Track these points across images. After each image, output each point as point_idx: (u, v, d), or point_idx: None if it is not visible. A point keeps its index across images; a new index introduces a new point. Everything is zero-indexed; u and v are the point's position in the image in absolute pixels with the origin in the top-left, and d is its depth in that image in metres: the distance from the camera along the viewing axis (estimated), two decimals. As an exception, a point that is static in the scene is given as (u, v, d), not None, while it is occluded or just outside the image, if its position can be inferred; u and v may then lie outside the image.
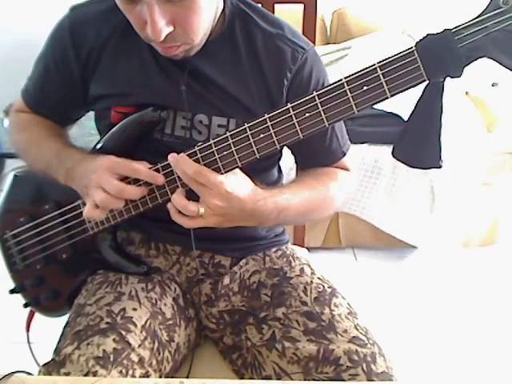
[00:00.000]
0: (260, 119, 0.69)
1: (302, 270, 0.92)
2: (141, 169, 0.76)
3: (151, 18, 0.68)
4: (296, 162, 0.95)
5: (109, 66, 0.85)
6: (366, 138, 1.93)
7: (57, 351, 0.77)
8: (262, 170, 0.92)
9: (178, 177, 0.75)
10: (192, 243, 0.86)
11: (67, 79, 0.88)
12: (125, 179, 0.77)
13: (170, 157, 0.73)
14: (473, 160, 1.93)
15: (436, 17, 2.22)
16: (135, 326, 0.78)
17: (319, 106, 0.66)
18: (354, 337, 0.80)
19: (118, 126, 0.82)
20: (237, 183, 0.73)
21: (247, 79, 0.84)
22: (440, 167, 0.64)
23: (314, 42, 0.94)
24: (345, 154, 0.93)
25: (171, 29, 0.71)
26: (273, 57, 0.85)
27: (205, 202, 0.72)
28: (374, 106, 2.17)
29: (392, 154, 0.67)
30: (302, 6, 1.06)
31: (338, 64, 2.18)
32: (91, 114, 0.94)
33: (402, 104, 1.52)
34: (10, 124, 0.98)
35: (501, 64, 0.57)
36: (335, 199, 0.90)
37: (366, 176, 1.93)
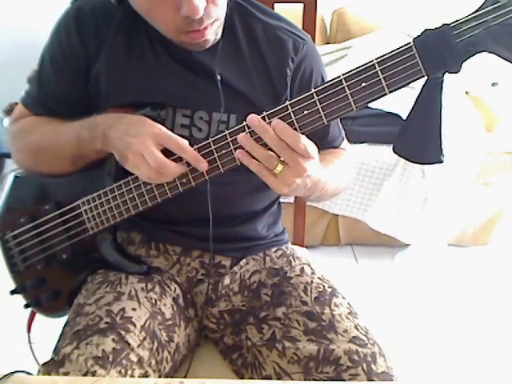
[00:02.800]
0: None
1: (302, 269, 0.92)
2: (187, 147, 0.73)
3: None
4: None
5: (108, 62, 0.84)
6: (365, 137, 1.93)
7: (56, 351, 0.76)
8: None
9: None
10: (206, 245, 0.88)
11: (74, 67, 0.86)
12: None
13: (250, 118, 0.67)
14: (472, 159, 1.93)
15: (436, 17, 2.22)
16: (134, 326, 0.78)
17: (318, 103, 0.66)
18: (354, 337, 0.80)
19: None
20: (318, 160, 0.72)
21: (249, 72, 0.85)
22: (441, 162, 0.64)
23: (313, 42, 0.94)
24: (343, 139, 0.98)
25: (205, 3, 0.71)
26: (274, 47, 0.85)
27: (294, 167, 0.68)
28: (373, 106, 2.17)
29: (393, 149, 0.67)
30: (301, 5, 1.06)
31: (338, 64, 2.18)
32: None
33: (402, 103, 1.52)
34: (15, 133, 0.93)
35: (501, 57, 0.56)
36: (348, 175, 0.97)
37: (366, 176, 1.93)
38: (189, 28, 0.74)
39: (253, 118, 0.67)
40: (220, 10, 0.75)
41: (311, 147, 0.69)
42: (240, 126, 0.70)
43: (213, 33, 0.78)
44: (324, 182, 0.77)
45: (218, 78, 0.82)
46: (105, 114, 0.82)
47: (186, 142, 0.73)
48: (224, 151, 0.72)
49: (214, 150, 0.73)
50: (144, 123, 0.75)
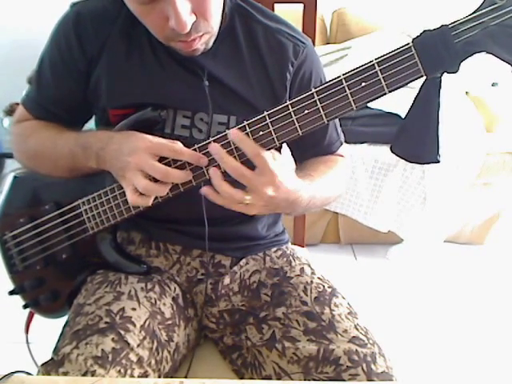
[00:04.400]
0: (259, 117, 0.69)
1: (302, 269, 0.92)
2: (184, 149, 0.73)
3: (175, 10, 0.68)
4: (293, 154, 0.94)
5: (109, 64, 0.84)
6: (365, 137, 1.93)
7: (56, 351, 0.76)
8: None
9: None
10: (205, 244, 0.88)
11: (73, 72, 0.86)
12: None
13: (211, 146, 0.70)
14: (472, 159, 1.93)
15: (436, 17, 2.22)
16: (134, 325, 0.78)
17: (318, 102, 0.66)
18: (354, 337, 0.80)
19: (117, 127, 0.82)
20: (286, 173, 0.71)
21: (249, 75, 0.85)
22: (438, 162, 0.65)
23: (313, 42, 0.94)
24: (342, 143, 0.97)
25: (194, 18, 0.71)
26: (274, 51, 0.85)
27: (256, 190, 0.69)
28: (373, 106, 2.16)
29: (391, 149, 0.68)
30: (301, 5, 1.06)
31: (337, 64, 2.18)
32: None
33: (402, 103, 1.52)
34: (15, 136, 0.94)
35: (499, 58, 0.57)
36: (342, 184, 0.94)
37: (366, 176, 1.93)
38: (176, 38, 0.74)
39: (212, 147, 0.70)
40: (210, 25, 0.75)
41: (276, 166, 0.68)
42: (240, 125, 0.70)
43: (203, 43, 0.78)
44: (309, 198, 0.77)
45: (206, 83, 0.82)
46: (95, 132, 0.82)
47: (179, 145, 0.74)
48: (224, 151, 0.72)
49: None
50: (134, 138, 0.75)
